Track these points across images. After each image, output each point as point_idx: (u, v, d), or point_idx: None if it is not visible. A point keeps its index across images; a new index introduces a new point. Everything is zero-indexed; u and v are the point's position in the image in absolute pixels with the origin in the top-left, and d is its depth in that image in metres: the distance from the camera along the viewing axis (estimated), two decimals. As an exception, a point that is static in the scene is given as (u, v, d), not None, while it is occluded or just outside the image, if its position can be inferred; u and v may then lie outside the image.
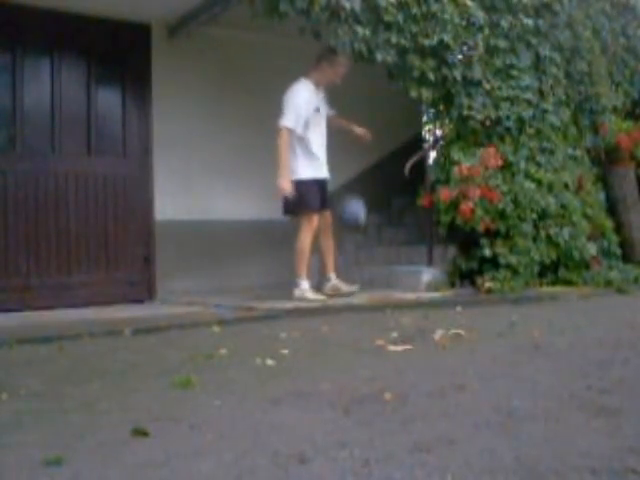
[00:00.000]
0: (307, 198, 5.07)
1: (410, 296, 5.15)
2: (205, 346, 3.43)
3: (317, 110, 5.16)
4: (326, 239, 5.29)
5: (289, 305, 4.79)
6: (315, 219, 5.09)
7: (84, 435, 1.98)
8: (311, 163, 5.12)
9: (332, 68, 5.17)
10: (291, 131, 4.99)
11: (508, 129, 5.73)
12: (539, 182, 5.70)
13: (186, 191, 5.94)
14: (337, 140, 5.66)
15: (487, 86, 5.66)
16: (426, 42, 5.35)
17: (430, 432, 1.92)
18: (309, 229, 5.09)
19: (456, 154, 5.46)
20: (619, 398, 2.25)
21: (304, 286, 5.08)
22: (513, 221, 5.44)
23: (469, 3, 5.56)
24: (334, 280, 5.29)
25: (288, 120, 4.97)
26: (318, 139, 5.16)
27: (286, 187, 4.97)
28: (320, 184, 5.15)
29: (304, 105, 5.03)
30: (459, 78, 5.51)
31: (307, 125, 5.09)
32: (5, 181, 5.23)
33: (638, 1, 7.30)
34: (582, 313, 4.48)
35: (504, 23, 5.81)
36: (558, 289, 5.52)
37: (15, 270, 5.24)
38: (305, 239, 5.08)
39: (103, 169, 5.66)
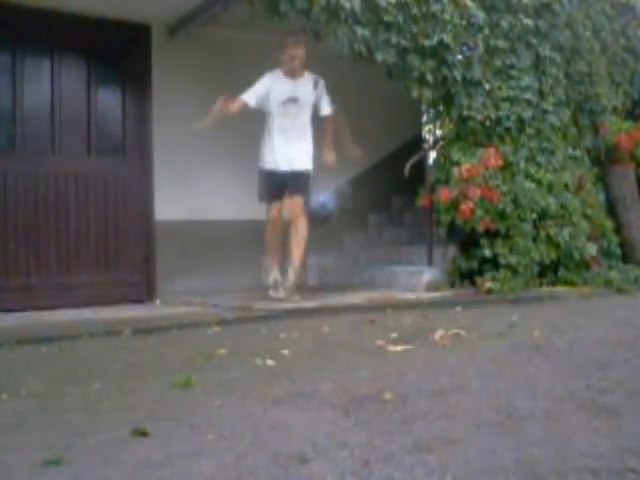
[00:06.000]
0: (259, 188, 5.20)
1: (410, 296, 5.15)
2: (205, 346, 3.43)
3: (290, 101, 5.08)
4: (292, 232, 5.11)
5: (289, 305, 4.79)
6: (272, 210, 5.13)
7: (84, 435, 1.98)
8: (269, 153, 5.13)
9: (284, 53, 5.06)
10: (246, 104, 5.05)
11: (508, 129, 5.73)
12: (539, 182, 5.70)
13: (186, 191, 5.94)
14: (337, 140, 5.65)
15: (487, 86, 5.66)
16: (426, 42, 5.36)
17: (430, 432, 1.92)
18: (267, 219, 5.18)
19: (456, 154, 5.46)
20: (619, 398, 2.25)
21: (268, 281, 5.13)
22: (513, 221, 5.44)
23: (469, 3, 5.56)
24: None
25: (247, 93, 5.08)
26: (285, 131, 5.09)
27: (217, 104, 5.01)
28: (278, 176, 5.10)
29: (265, 84, 5.06)
30: (459, 78, 5.52)
31: (271, 114, 5.11)
32: (5, 181, 5.23)
33: (638, 1, 7.30)
34: (582, 313, 4.48)
35: (504, 23, 5.82)
36: (558, 289, 5.52)
37: (15, 270, 5.24)
38: (265, 231, 5.20)
39: (103, 169, 5.66)
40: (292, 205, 5.08)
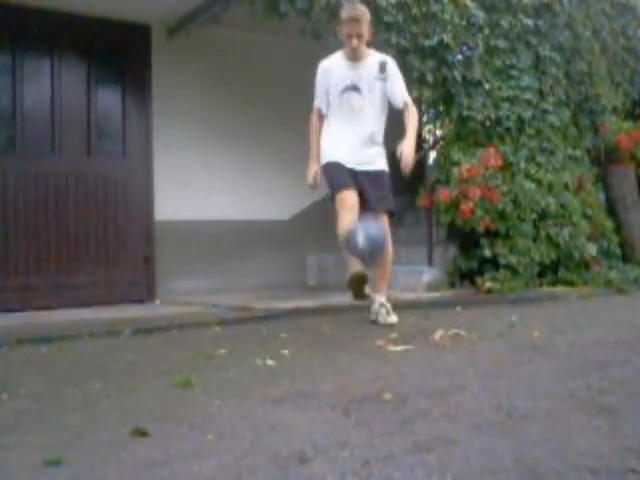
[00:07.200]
0: (328, 180, 4.09)
1: (410, 296, 5.15)
2: (205, 346, 3.43)
3: (351, 89, 4.05)
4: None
5: (289, 305, 4.79)
6: (344, 196, 3.94)
7: (84, 435, 1.98)
8: (332, 149, 4.09)
9: (340, 30, 4.06)
10: (319, 111, 4.18)
11: (508, 129, 5.74)
12: (539, 182, 5.71)
13: (186, 191, 5.94)
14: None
15: (487, 86, 5.67)
16: (426, 42, 5.36)
17: (430, 432, 1.91)
18: (340, 211, 3.94)
19: (456, 154, 5.47)
20: (619, 398, 2.25)
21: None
22: (513, 221, 5.45)
23: (469, 3, 5.57)
24: (377, 304, 4.16)
25: (315, 100, 4.19)
26: (346, 124, 4.08)
27: (309, 175, 4.18)
28: (350, 169, 4.06)
29: (321, 80, 4.13)
30: (459, 78, 5.52)
31: (331, 108, 4.13)
32: (5, 181, 5.24)
33: (638, 1, 7.30)
34: (582, 313, 4.48)
35: (504, 23, 5.82)
36: (558, 289, 5.52)
37: (15, 270, 5.24)
38: (340, 229, 3.87)
39: (103, 169, 5.66)
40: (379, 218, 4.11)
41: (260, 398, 2.35)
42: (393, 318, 4.09)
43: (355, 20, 3.96)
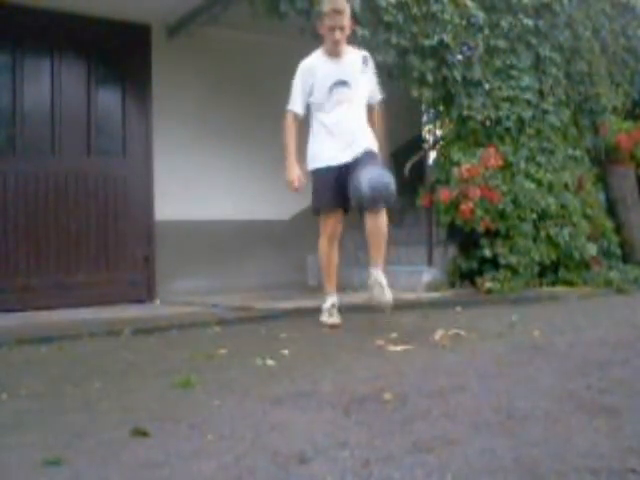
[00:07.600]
0: (314, 195, 4.16)
1: (410, 296, 5.15)
2: (205, 346, 3.43)
3: (340, 84, 4.03)
4: (372, 226, 4.10)
5: (289, 305, 4.79)
6: (327, 221, 4.11)
7: (84, 435, 1.98)
8: (324, 149, 4.09)
9: (322, 24, 4.06)
10: (295, 114, 4.14)
11: (508, 129, 5.74)
12: (539, 182, 5.71)
13: (186, 191, 5.94)
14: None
15: (487, 86, 5.67)
16: (426, 42, 5.36)
17: (430, 432, 1.91)
18: (322, 233, 4.15)
19: (456, 154, 5.47)
20: (619, 398, 2.25)
21: (325, 304, 4.18)
22: (513, 221, 5.45)
23: (469, 3, 5.57)
24: (372, 278, 4.02)
25: (289, 102, 4.17)
26: (339, 118, 4.05)
27: (290, 179, 4.14)
28: (337, 172, 4.05)
29: (304, 79, 4.09)
30: (459, 78, 5.52)
31: (318, 106, 4.10)
32: (5, 181, 5.23)
33: (638, 1, 7.31)
34: (582, 313, 4.48)
35: (504, 23, 5.83)
36: (558, 289, 5.52)
37: (15, 270, 5.24)
38: (319, 247, 4.18)
39: (103, 169, 5.66)
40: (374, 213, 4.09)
41: (260, 398, 2.35)
42: (387, 296, 3.92)
43: (338, 12, 3.96)
